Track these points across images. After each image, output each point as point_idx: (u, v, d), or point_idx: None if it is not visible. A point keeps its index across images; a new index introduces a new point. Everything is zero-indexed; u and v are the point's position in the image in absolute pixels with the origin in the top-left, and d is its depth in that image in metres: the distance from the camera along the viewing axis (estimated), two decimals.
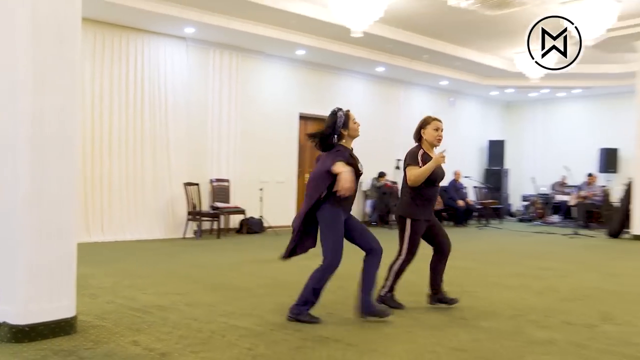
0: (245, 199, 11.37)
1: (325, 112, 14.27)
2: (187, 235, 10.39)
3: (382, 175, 13.56)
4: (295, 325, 4.34)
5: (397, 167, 14.13)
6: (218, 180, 11.10)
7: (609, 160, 15.75)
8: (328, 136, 4.56)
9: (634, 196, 11.57)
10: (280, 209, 12.13)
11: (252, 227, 11.27)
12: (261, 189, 11.60)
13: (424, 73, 13.90)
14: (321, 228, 4.53)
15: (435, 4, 9.10)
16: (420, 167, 4.85)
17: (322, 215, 4.48)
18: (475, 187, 15.88)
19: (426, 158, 4.90)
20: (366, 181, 13.55)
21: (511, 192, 17.50)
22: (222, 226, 10.66)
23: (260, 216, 11.50)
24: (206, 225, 10.66)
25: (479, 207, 15.16)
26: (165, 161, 10.46)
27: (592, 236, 12.09)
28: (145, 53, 10.24)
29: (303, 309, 4.51)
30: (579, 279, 6.95)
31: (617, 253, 9.75)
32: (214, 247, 9.30)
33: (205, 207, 10.75)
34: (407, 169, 4.93)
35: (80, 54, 4.22)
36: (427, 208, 4.98)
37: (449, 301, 5.07)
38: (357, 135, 4.69)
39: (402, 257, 4.95)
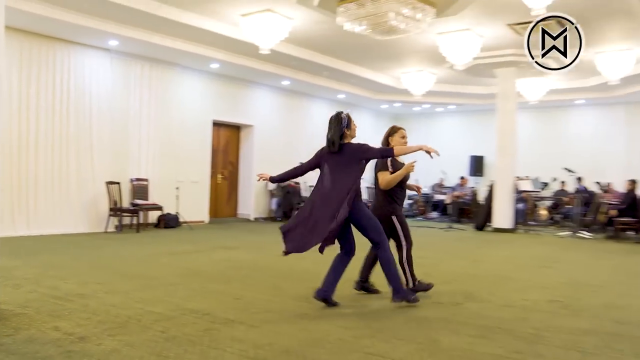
0: (163, 196, 11.12)
1: (237, 120, 14.15)
2: (109, 230, 10.03)
3: None
4: (204, 309, 4.32)
5: None
6: (138, 179, 10.80)
7: (477, 165, 16.63)
8: (341, 137, 4.45)
9: (495, 196, 12.31)
10: (195, 206, 12.07)
11: (168, 222, 11.04)
12: (177, 188, 11.40)
13: (324, 87, 14.10)
14: (364, 219, 4.42)
15: (334, 28, 9.27)
16: (391, 172, 4.90)
17: (361, 210, 4.40)
18: (367, 187, 16.28)
19: (394, 163, 4.96)
20: None
21: None
22: (141, 221, 10.37)
23: (177, 212, 11.29)
24: (126, 220, 10.33)
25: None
26: (89, 162, 10.07)
27: (463, 229, 12.68)
28: (71, 63, 9.81)
29: (404, 290, 4.52)
30: (450, 265, 7.31)
31: (481, 243, 10.28)
32: (133, 240, 9.04)
33: (125, 203, 10.43)
34: (379, 174, 4.92)
35: (4, 62, 4.02)
36: (402, 202, 5.10)
37: (373, 291, 5.15)
38: (355, 136, 4.58)
39: (405, 246, 4.96)
